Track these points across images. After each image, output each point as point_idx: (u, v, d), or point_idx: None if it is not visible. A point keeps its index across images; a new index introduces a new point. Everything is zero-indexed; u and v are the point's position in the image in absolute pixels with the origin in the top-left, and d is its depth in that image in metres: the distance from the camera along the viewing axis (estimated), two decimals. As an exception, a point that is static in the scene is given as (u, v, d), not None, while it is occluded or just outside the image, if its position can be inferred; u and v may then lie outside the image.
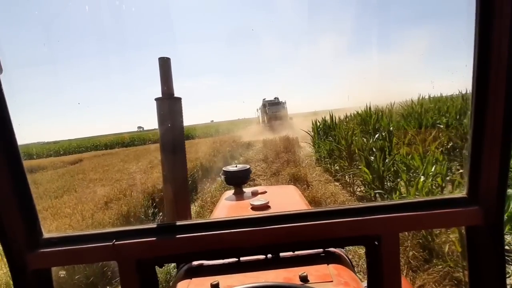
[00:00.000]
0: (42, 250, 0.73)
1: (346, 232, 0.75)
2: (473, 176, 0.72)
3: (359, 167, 4.97)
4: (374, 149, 5.09)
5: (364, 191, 5.10)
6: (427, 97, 9.57)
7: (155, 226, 0.78)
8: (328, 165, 7.82)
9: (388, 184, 4.37)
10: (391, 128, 5.39)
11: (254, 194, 1.60)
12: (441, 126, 6.13)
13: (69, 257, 0.76)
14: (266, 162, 9.21)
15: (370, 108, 6.34)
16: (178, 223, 0.78)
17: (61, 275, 2.52)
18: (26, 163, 0.72)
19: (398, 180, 4.18)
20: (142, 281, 0.76)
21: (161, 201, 4.81)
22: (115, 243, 0.73)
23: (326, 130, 9.45)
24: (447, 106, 7.52)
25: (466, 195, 0.74)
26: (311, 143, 10.68)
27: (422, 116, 6.39)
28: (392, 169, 4.35)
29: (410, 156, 4.38)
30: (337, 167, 7.27)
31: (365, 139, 5.67)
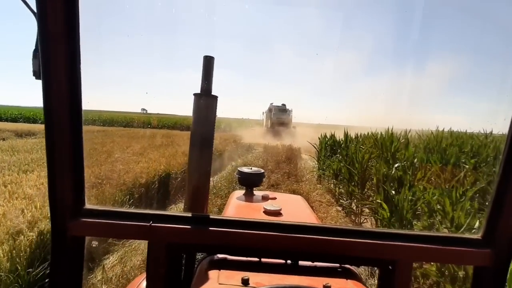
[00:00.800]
0: (83, 219, 0.76)
1: (363, 252, 0.78)
2: (492, 220, 0.75)
3: (374, 198, 4.28)
4: (389, 180, 4.42)
5: (373, 225, 4.42)
6: (446, 129, 8.90)
7: (189, 215, 0.81)
8: (332, 185, 7.15)
9: (408, 226, 3.68)
10: (415, 160, 4.70)
11: (265, 198, 1.64)
12: (467, 166, 5.45)
13: (106, 230, 0.79)
14: (265, 169, 8.51)
15: (392, 132, 5.66)
16: (211, 216, 0.81)
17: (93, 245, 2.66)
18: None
19: (416, 223, 3.51)
20: (168, 265, 0.79)
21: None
22: (152, 224, 0.76)
23: (334, 147, 8.77)
24: (472, 144, 6.85)
25: (480, 237, 0.78)
26: (315, 157, 10.05)
27: (448, 151, 5.70)
28: (413, 209, 3.66)
29: (434, 196, 3.71)
30: (342, 190, 6.62)
31: (377, 166, 4.99)
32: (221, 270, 0.86)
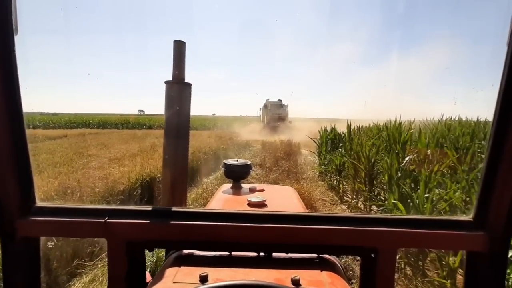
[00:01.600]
0: (33, 218, 0.72)
1: (342, 241, 0.73)
2: (483, 201, 0.71)
3: (386, 196, 3.76)
4: (403, 176, 3.90)
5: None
6: (453, 118, 8.38)
7: (149, 208, 0.76)
8: (335, 182, 6.64)
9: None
10: (429, 152, 4.18)
11: (252, 190, 1.59)
12: (483, 156, 4.92)
13: (59, 228, 0.75)
14: (263, 168, 8.00)
15: (400, 122, 5.14)
16: (174, 209, 0.77)
17: (49, 246, 2.45)
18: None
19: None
20: (130, 263, 0.74)
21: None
22: (107, 221, 0.71)
23: (336, 141, 8.24)
24: (484, 133, 6.34)
25: (471, 219, 0.73)
26: (316, 153, 9.53)
27: (461, 141, 5.18)
28: (436, 209, 3.14)
29: (456, 193, 3.20)
30: (347, 187, 6.11)
31: (389, 161, 4.47)
32: (181, 267, 0.77)
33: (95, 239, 3.01)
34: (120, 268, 0.73)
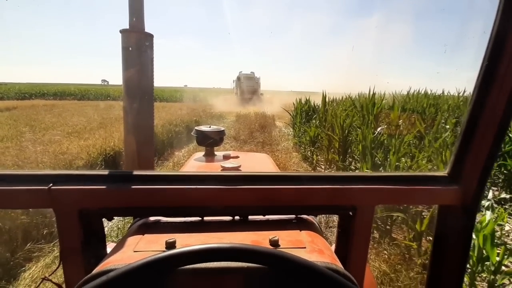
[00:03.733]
0: None
1: (320, 200, 0.72)
2: (459, 156, 0.72)
3: (358, 165, 3.85)
4: (376, 146, 3.99)
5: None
6: (420, 91, 8.75)
7: (105, 173, 0.68)
8: (309, 153, 6.74)
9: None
10: (400, 122, 4.28)
11: (226, 157, 1.54)
12: (447, 126, 5.21)
13: None
14: (238, 140, 7.85)
15: (374, 93, 5.16)
16: (135, 172, 0.69)
17: None
18: None
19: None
20: (85, 234, 0.68)
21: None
22: (52, 187, 0.64)
23: (310, 113, 8.25)
24: (449, 105, 6.70)
25: (447, 174, 0.75)
26: (290, 124, 9.55)
27: (428, 112, 5.41)
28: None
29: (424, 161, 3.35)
30: (320, 157, 6.24)
31: (363, 131, 4.53)
32: (145, 235, 0.65)
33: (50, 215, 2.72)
34: (72, 240, 0.66)
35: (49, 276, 0.66)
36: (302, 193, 0.71)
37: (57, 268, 0.67)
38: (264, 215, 0.75)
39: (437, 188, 0.73)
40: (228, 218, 0.74)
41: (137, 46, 0.93)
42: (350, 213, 0.74)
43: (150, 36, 0.96)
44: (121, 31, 0.94)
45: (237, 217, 0.74)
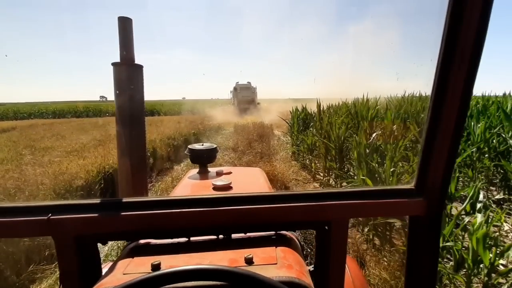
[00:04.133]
0: None
1: (298, 217, 0.77)
2: (422, 170, 0.77)
3: (356, 172, 3.88)
4: (371, 152, 4.03)
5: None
6: (414, 93, 8.84)
7: (98, 201, 0.75)
8: (308, 161, 6.77)
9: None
10: (395, 127, 4.34)
11: (219, 174, 1.57)
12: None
13: None
14: (236, 151, 7.89)
15: (367, 99, 5.26)
16: (124, 199, 0.76)
17: None
18: None
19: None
20: (82, 258, 0.74)
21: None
22: (51, 217, 0.70)
23: (307, 120, 8.32)
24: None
25: (413, 187, 0.80)
26: (288, 133, 9.60)
27: (422, 114, 5.47)
28: (403, 182, 3.29)
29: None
30: (319, 165, 6.26)
31: (357, 138, 4.59)
32: (134, 258, 0.72)
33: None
34: (70, 264, 0.72)
35: None
36: (281, 211, 0.75)
37: None
38: (245, 233, 0.81)
39: (405, 201, 0.78)
40: (213, 237, 0.79)
41: (128, 77, 1.00)
42: (326, 228, 0.79)
43: (140, 67, 1.03)
44: (112, 64, 1.00)
45: (221, 236, 0.79)
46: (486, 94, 9.35)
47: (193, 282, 0.50)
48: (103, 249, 2.96)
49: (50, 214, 0.70)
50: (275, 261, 0.67)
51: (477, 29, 0.59)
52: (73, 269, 0.72)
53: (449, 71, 0.66)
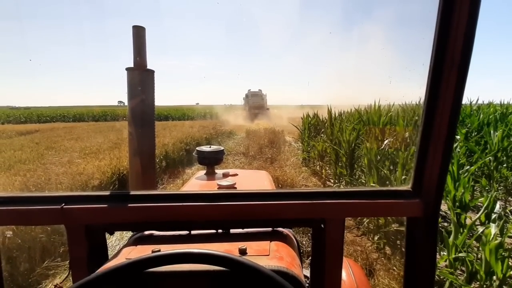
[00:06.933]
0: None
1: (294, 214, 0.79)
2: (418, 172, 0.78)
3: (366, 179, 3.83)
4: (382, 159, 3.97)
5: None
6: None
7: (107, 193, 0.80)
8: (318, 167, 6.72)
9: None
10: (407, 135, 4.26)
11: (225, 175, 1.61)
12: (458, 137, 5.11)
13: (15, 217, 0.78)
14: (247, 156, 7.95)
15: (379, 106, 5.20)
16: (132, 192, 0.80)
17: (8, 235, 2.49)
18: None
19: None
20: (91, 246, 0.78)
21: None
22: (64, 207, 0.74)
23: (318, 127, 8.29)
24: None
25: (410, 189, 0.81)
26: (299, 139, 9.57)
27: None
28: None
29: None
30: (329, 172, 6.20)
31: (368, 145, 4.53)
32: (137, 246, 0.76)
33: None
34: (80, 251, 0.76)
35: (60, 283, 0.77)
36: (278, 208, 0.78)
37: (67, 275, 0.78)
38: (243, 229, 0.83)
39: (402, 202, 0.79)
40: (213, 231, 0.82)
41: (140, 81, 1.06)
42: (322, 226, 0.80)
43: (152, 72, 1.09)
44: (126, 69, 1.07)
45: (220, 231, 0.82)
46: (505, 102, 9.01)
47: (188, 265, 0.53)
48: (109, 241, 3.06)
49: (63, 204, 0.75)
50: (268, 253, 0.69)
51: (465, 34, 0.61)
52: (82, 256, 0.77)
53: (440, 75, 0.67)
